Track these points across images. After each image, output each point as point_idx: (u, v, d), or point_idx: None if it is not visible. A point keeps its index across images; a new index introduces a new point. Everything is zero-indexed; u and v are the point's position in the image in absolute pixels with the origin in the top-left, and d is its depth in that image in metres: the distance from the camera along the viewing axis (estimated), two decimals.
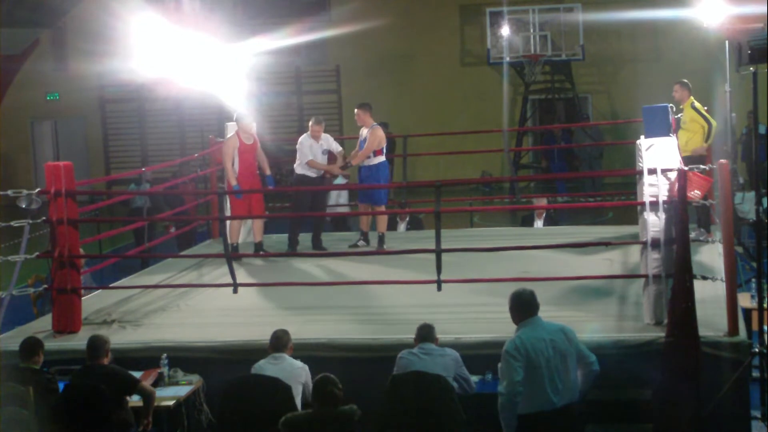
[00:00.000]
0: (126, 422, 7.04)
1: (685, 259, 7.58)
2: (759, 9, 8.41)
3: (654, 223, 7.92)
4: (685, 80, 11.43)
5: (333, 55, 25.27)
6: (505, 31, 21.84)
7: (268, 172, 11.64)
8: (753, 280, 9.01)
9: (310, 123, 11.79)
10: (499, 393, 6.18)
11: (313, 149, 11.61)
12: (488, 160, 23.90)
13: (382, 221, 11.78)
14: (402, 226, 12.77)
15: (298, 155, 11.69)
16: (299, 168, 11.67)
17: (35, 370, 7.19)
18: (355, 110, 11.69)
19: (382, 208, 11.84)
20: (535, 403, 6.16)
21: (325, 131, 11.91)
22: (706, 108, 11.54)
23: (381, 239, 11.68)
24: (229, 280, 9.11)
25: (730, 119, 12.22)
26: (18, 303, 9.65)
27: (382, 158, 11.64)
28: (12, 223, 9.08)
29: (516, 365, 6.10)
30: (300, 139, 11.76)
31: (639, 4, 22.15)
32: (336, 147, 11.92)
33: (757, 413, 7.64)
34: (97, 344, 7.24)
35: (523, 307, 6.33)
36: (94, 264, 11.07)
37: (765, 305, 7.74)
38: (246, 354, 7.83)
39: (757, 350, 7.54)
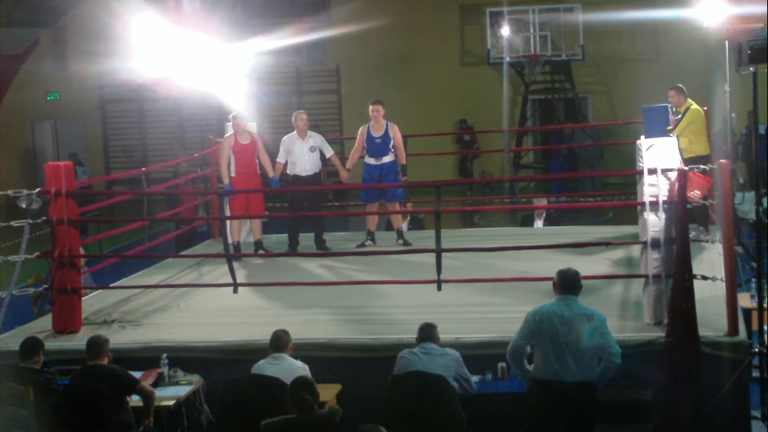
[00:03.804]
0: (126, 422, 7.04)
1: (685, 259, 7.58)
2: (759, 9, 8.41)
3: (654, 223, 7.92)
4: (680, 85, 11.40)
5: (333, 55, 25.27)
6: (505, 31, 21.84)
7: (271, 174, 11.59)
8: (753, 280, 9.01)
9: (293, 119, 11.72)
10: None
11: (295, 149, 11.53)
12: (488, 160, 23.90)
13: (398, 216, 11.95)
14: (404, 226, 12.77)
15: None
16: (290, 168, 11.64)
17: (35, 370, 7.19)
18: (379, 107, 11.57)
19: (396, 206, 11.88)
20: (544, 371, 6.59)
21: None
22: (705, 108, 11.56)
23: (400, 233, 11.80)
24: (229, 280, 9.11)
25: (730, 119, 12.21)
26: (18, 303, 9.65)
27: (393, 155, 11.69)
28: (12, 223, 9.08)
29: (524, 327, 6.69)
30: (282, 139, 11.73)
31: (639, 4, 22.14)
32: (328, 150, 11.85)
33: (757, 413, 7.64)
34: (97, 344, 7.25)
35: (561, 283, 6.78)
36: (94, 264, 11.06)
37: (765, 305, 7.74)
38: (246, 354, 7.84)
39: (757, 350, 7.54)
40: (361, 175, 11.89)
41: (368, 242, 11.78)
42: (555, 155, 22.33)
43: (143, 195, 13.28)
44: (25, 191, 9.03)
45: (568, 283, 6.76)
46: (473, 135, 23.45)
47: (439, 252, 8.58)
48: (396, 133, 11.64)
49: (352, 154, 11.87)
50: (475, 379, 7.37)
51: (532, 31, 22.04)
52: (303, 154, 11.54)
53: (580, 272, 6.87)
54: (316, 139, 11.67)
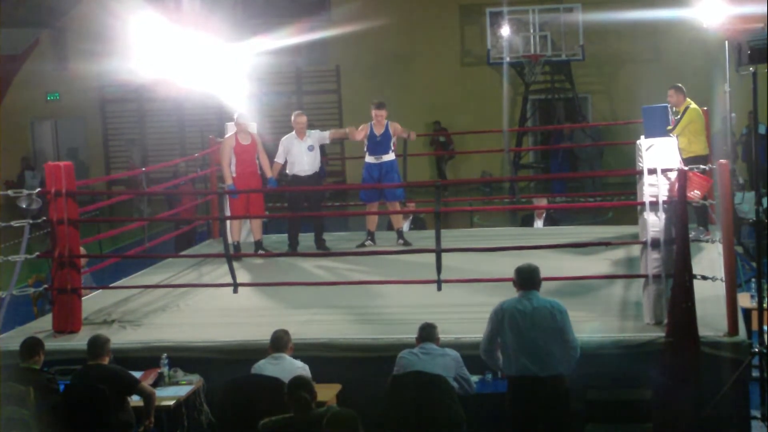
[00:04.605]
0: (126, 423, 7.04)
1: (685, 259, 7.58)
2: (759, 9, 8.41)
3: (654, 223, 7.92)
4: (679, 84, 11.40)
5: (333, 55, 25.27)
6: (505, 31, 21.85)
7: (269, 174, 11.61)
8: (753, 280, 9.01)
9: (293, 117, 11.75)
10: None
11: (294, 149, 11.54)
12: (488, 160, 23.91)
13: (398, 216, 11.95)
14: (406, 226, 12.80)
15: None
16: (289, 168, 11.66)
17: (35, 370, 7.19)
18: (383, 112, 11.59)
19: (396, 206, 11.87)
20: (514, 366, 6.62)
21: (325, 131, 11.95)
22: (705, 108, 11.56)
23: (400, 233, 11.79)
24: (229, 280, 9.11)
25: (730, 119, 12.21)
26: (18, 303, 9.65)
27: (393, 154, 11.71)
28: (12, 223, 9.08)
29: (488, 325, 6.78)
30: (281, 140, 11.74)
31: (639, 4, 22.15)
32: (325, 137, 11.78)
33: (757, 413, 7.64)
34: (97, 344, 7.25)
35: (520, 279, 6.80)
36: (94, 264, 11.07)
37: (765, 305, 7.74)
38: (246, 354, 7.83)
39: (757, 350, 7.54)
40: (361, 175, 11.90)
41: (368, 242, 11.78)
42: (555, 155, 22.35)
43: (143, 195, 13.30)
44: (25, 191, 9.03)
45: (526, 279, 6.78)
46: (448, 136, 23.43)
47: (439, 252, 8.58)
48: (396, 127, 11.69)
49: (353, 131, 11.87)
50: (475, 379, 7.37)
51: (532, 31, 22.05)
52: (302, 154, 11.55)
53: (538, 267, 6.85)
54: (313, 137, 11.69)
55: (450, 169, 24.41)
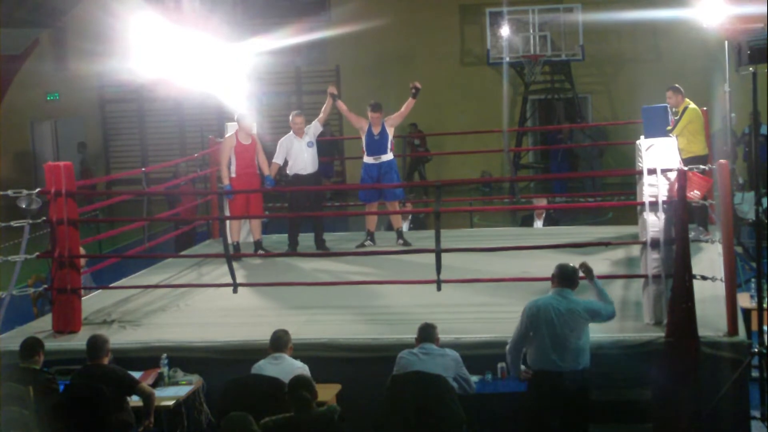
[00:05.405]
0: (126, 423, 7.04)
1: (685, 259, 7.58)
2: (759, 9, 8.40)
3: (654, 223, 7.93)
4: (677, 85, 11.40)
5: (333, 55, 25.25)
6: (505, 31, 21.84)
7: (267, 172, 11.63)
8: (753, 280, 9.01)
9: (290, 118, 11.76)
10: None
11: (293, 148, 11.56)
12: (488, 160, 23.90)
13: (397, 216, 11.94)
14: (405, 226, 12.80)
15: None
16: (290, 167, 11.66)
17: (35, 370, 7.19)
18: (378, 114, 11.66)
19: (395, 205, 11.87)
20: (540, 361, 6.80)
21: (325, 131, 11.94)
22: (705, 108, 11.56)
23: (400, 233, 11.78)
24: (229, 280, 9.11)
25: (730, 119, 12.21)
26: (18, 303, 9.65)
27: (392, 154, 11.72)
28: (12, 223, 9.08)
29: (523, 320, 6.88)
30: (280, 140, 11.75)
31: (639, 4, 22.14)
32: (318, 124, 11.87)
33: (757, 413, 7.64)
34: (97, 344, 7.25)
35: (558, 276, 7.00)
36: (94, 264, 11.06)
37: (765, 305, 7.74)
38: (246, 354, 7.84)
39: (756, 350, 7.54)
40: (360, 175, 11.91)
41: (368, 242, 11.77)
42: (554, 155, 22.35)
43: (143, 195, 13.29)
44: (25, 191, 9.03)
45: (567, 277, 6.97)
46: (423, 139, 23.33)
47: (438, 252, 8.58)
48: (390, 121, 11.75)
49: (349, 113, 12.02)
50: (475, 379, 7.37)
51: (531, 31, 22.04)
52: (302, 152, 11.57)
53: (578, 269, 7.07)
54: (309, 132, 11.71)
55: (428, 172, 24.32)
